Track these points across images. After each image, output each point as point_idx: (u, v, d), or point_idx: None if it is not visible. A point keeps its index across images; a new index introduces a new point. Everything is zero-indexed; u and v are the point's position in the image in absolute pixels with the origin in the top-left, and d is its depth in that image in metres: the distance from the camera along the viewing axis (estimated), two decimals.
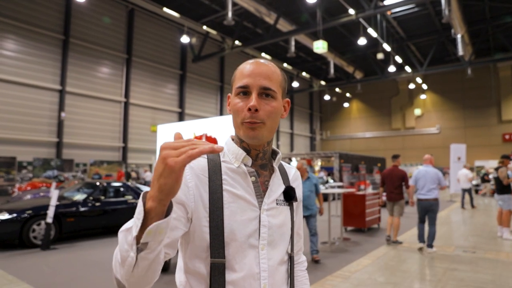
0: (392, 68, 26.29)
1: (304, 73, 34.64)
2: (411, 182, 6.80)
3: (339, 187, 13.02)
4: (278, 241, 0.99)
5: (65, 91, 18.42)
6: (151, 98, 23.12)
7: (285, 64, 31.87)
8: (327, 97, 36.33)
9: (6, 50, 16.53)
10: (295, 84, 31.93)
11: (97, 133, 20.07)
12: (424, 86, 33.59)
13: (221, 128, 10.58)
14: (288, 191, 1.05)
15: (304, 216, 5.63)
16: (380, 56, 24.08)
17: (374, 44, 25.31)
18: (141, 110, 22.46)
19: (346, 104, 38.80)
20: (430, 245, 6.39)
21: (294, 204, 1.10)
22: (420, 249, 6.46)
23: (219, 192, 0.94)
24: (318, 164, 27.42)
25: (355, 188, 9.57)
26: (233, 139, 1.05)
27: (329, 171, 24.10)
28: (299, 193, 1.13)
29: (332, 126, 40.11)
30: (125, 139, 21.31)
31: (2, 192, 15.14)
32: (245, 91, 0.98)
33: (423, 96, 34.52)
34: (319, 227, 8.18)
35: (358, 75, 31.54)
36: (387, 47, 24.20)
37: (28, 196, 10.08)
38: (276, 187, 1.04)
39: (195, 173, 0.95)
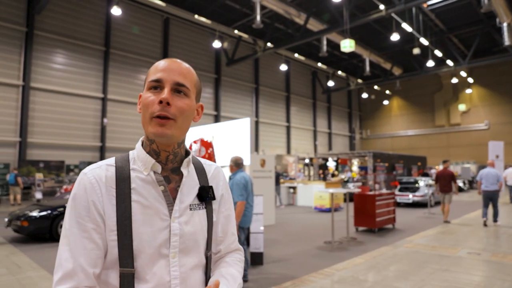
0: (431, 63, 25.17)
1: (339, 72, 34.12)
2: (477, 178, 9.42)
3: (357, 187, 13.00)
4: (191, 248, 0.97)
5: (106, 99, 19.79)
6: None
7: (319, 64, 31.63)
8: (365, 95, 35.52)
9: (55, 63, 18.13)
10: (331, 83, 31.56)
11: (136, 137, 21.25)
12: (470, 80, 31.70)
13: (233, 132, 10.96)
14: (201, 192, 1.01)
15: None
16: (416, 51, 23.17)
17: (411, 39, 24.41)
18: None
19: (385, 102, 37.63)
20: (495, 220, 9.22)
21: (214, 203, 1.06)
22: (484, 222, 9.18)
23: (127, 202, 0.91)
24: (355, 163, 26.98)
25: (366, 188, 9.46)
26: (143, 143, 1.01)
27: (364, 170, 23.62)
28: (220, 190, 1.10)
29: (372, 124, 39.05)
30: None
31: (52, 193, 16.64)
32: (157, 85, 0.94)
33: (468, 91, 32.59)
34: (325, 225, 7.99)
35: (397, 71, 30.52)
36: (424, 41, 23.27)
37: (67, 196, 11.09)
38: (189, 190, 1.00)
39: (103, 184, 0.93)
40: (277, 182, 14.62)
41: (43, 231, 7.57)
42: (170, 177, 0.99)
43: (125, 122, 20.74)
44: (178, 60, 0.99)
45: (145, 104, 0.93)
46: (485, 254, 6.07)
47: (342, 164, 26.56)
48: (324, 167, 26.62)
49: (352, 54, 28.39)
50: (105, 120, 19.66)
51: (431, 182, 13.96)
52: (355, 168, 26.46)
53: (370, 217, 8.23)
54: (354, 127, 39.36)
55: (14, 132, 16.55)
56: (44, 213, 7.62)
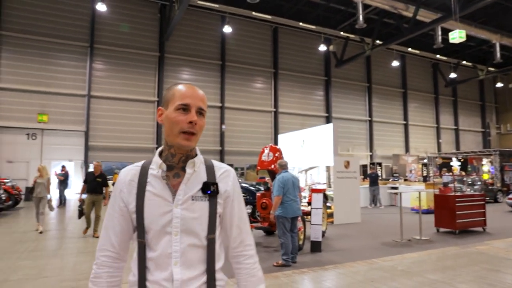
0: None
1: (464, 62, 30.56)
2: None
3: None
4: (192, 229, 1.17)
5: (224, 107, 22.47)
6: (299, 105, 25.17)
7: (438, 55, 29.01)
8: (499, 85, 31.00)
9: (181, 80, 21.52)
10: (453, 75, 28.69)
11: (251, 141, 23.23)
12: None
13: (320, 136, 11.65)
14: (203, 187, 1.21)
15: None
16: None
17: None
18: (290, 117, 24.70)
19: None
20: None
21: (219, 197, 1.24)
22: None
23: (143, 192, 1.20)
24: (484, 163, 24.08)
25: (448, 190, 8.92)
26: (162, 149, 1.27)
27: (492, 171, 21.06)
28: (228, 188, 1.27)
29: None
30: (276, 145, 24.05)
31: None
32: (185, 108, 1.19)
33: None
34: (408, 225, 7.76)
35: None
36: None
37: None
38: (194, 185, 1.21)
39: (128, 180, 1.23)
40: (375, 183, 14.58)
41: None
42: (179, 173, 1.23)
43: (241, 127, 23.05)
44: (196, 88, 1.25)
45: (175, 121, 1.18)
46: None
47: (471, 164, 24.02)
48: (447, 166, 24.46)
49: (478, 40, 25.40)
50: (223, 127, 22.34)
51: None
52: (486, 168, 23.64)
53: (450, 218, 7.95)
54: (489, 121, 34.58)
55: (152, 140, 20.43)
56: None
